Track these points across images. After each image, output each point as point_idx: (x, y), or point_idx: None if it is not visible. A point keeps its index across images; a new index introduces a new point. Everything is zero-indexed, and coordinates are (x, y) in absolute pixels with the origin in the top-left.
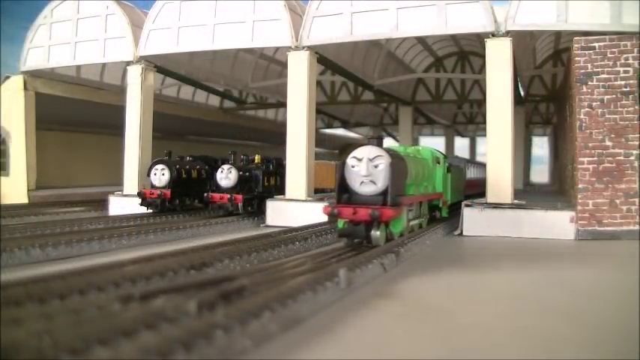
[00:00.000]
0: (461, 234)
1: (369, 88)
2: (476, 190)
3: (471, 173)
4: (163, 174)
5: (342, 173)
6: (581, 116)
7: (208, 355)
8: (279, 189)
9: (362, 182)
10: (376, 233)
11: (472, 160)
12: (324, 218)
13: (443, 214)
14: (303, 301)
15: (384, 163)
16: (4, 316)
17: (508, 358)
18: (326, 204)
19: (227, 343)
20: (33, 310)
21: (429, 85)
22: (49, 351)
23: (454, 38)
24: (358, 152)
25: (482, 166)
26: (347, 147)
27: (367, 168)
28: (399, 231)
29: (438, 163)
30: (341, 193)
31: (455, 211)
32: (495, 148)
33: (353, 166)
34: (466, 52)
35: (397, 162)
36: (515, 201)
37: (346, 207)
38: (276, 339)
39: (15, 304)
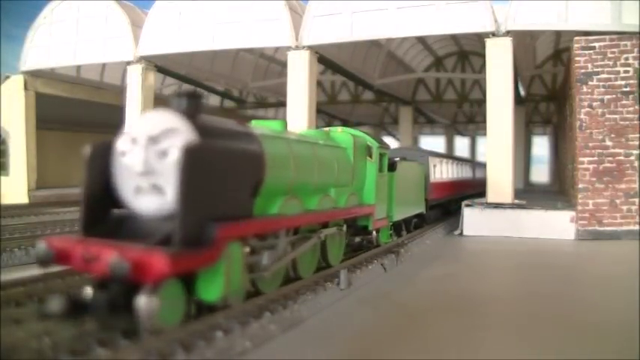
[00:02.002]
0: (461, 234)
1: (369, 87)
2: (449, 195)
3: (442, 173)
4: None
5: (102, 168)
6: (581, 116)
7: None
8: None
9: (138, 188)
10: (148, 302)
11: (443, 155)
12: None
13: (382, 240)
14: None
15: (176, 146)
16: (4, 315)
17: None
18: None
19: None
20: (33, 310)
21: (429, 84)
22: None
23: (454, 38)
24: (135, 126)
25: (464, 163)
26: None
27: (145, 158)
28: (214, 298)
29: (369, 156)
30: (93, 209)
31: (454, 211)
32: (495, 147)
33: (124, 154)
34: (466, 51)
35: (211, 146)
36: (516, 201)
37: (84, 243)
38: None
39: (15, 304)
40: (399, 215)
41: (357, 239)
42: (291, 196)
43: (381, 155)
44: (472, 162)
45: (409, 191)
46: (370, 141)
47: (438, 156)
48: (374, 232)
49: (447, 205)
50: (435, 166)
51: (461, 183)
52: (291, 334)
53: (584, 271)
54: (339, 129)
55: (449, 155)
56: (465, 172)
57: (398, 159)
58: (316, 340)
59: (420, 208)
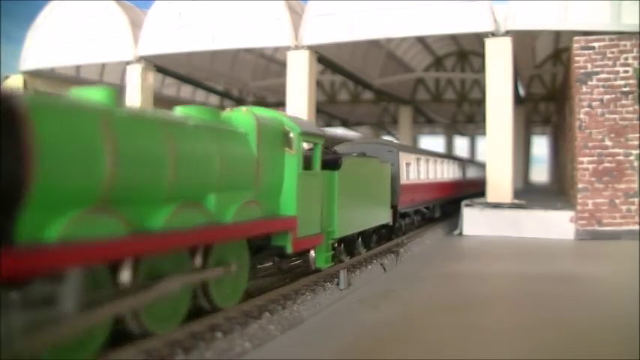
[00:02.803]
0: (461, 234)
1: (368, 87)
2: (429, 200)
3: (418, 173)
4: None
5: None
6: (581, 116)
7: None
8: None
9: None
10: None
11: (422, 150)
12: None
13: (318, 264)
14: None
15: None
16: None
17: None
18: None
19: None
20: None
21: (428, 84)
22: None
23: (454, 38)
24: None
25: (451, 161)
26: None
27: None
28: None
29: (288, 147)
30: None
31: (455, 211)
32: (495, 147)
33: None
34: (466, 51)
35: None
36: (515, 201)
37: None
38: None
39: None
40: (346, 229)
41: (276, 262)
42: (101, 207)
43: (310, 146)
44: (462, 160)
45: (366, 196)
46: (290, 125)
47: (414, 152)
48: (311, 253)
49: (431, 210)
50: (408, 164)
51: (446, 185)
52: (291, 334)
53: (583, 270)
54: (244, 108)
55: (429, 152)
56: (451, 172)
57: (355, 154)
58: (316, 340)
59: (385, 218)
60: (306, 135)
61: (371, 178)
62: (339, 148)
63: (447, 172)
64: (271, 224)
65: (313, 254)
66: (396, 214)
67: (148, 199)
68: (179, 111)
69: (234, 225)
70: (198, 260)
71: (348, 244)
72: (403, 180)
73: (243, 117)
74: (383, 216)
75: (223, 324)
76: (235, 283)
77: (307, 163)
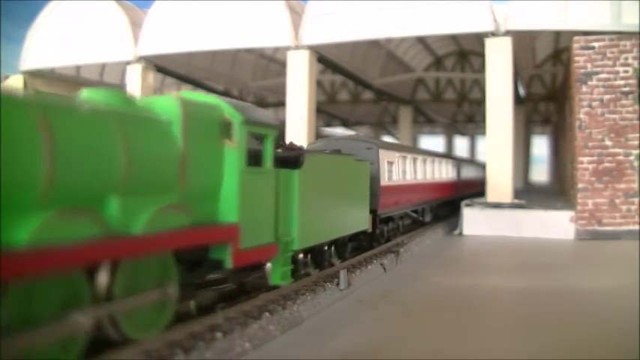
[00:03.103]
0: (461, 233)
1: (368, 87)
2: (416, 203)
3: (403, 173)
4: None
5: None
6: (581, 116)
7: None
8: None
9: None
10: None
11: (407, 148)
12: None
13: (274, 280)
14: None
15: None
16: None
17: None
18: None
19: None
20: None
21: (428, 84)
22: None
23: (454, 38)
24: None
25: (443, 160)
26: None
27: None
28: None
29: (227, 136)
30: None
31: (448, 215)
32: (495, 147)
33: None
34: (466, 51)
35: None
36: (515, 200)
37: None
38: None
39: None
40: (310, 238)
41: (232, 277)
42: None
43: (259, 138)
44: (456, 159)
45: (338, 200)
46: (230, 112)
47: (398, 149)
48: (268, 265)
49: (421, 214)
50: (390, 163)
51: (438, 186)
52: (291, 334)
53: (583, 271)
54: (173, 94)
55: (418, 149)
56: (444, 172)
57: (327, 151)
58: (316, 341)
59: (361, 224)
60: (251, 124)
61: (344, 178)
62: (310, 145)
63: (438, 172)
64: (202, 234)
65: (270, 267)
66: (376, 219)
67: (9, 206)
68: (82, 95)
69: (144, 237)
70: (102, 282)
71: (316, 255)
72: (384, 181)
73: (166, 103)
74: (359, 222)
75: (223, 324)
76: (158, 308)
77: (256, 158)
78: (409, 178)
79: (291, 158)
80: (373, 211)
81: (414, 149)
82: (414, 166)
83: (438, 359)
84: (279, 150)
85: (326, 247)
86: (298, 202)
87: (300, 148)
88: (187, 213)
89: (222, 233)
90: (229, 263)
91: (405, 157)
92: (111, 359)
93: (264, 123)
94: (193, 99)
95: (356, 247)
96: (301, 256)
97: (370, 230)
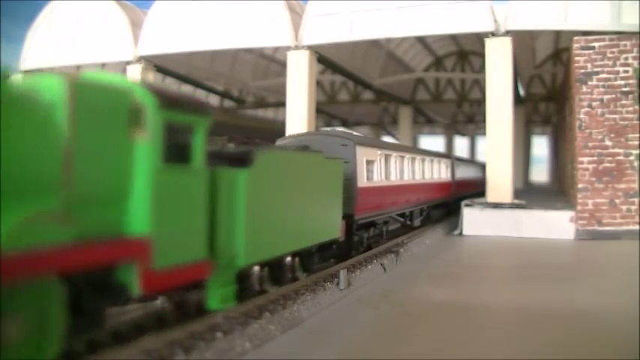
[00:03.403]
0: (461, 233)
1: (368, 87)
2: (401, 206)
3: (385, 173)
4: None
5: None
6: (581, 116)
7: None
8: None
9: None
10: None
11: (391, 145)
12: None
13: (211, 305)
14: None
15: None
16: None
17: None
18: None
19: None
20: None
21: (428, 84)
22: None
23: (454, 38)
24: None
25: (434, 159)
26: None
27: None
28: None
29: (137, 125)
30: None
31: (442, 217)
32: (495, 147)
33: None
34: (466, 51)
35: None
36: (515, 201)
37: None
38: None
39: None
40: (261, 252)
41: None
42: None
43: (181, 129)
44: (451, 158)
45: (302, 204)
46: (142, 95)
47: (380, 147)
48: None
49: (409, 218)
50: (370, 161)
51: (428, 187)
52: (291, 334)
53: (583, 270)
54: (64, 72)
55: (405, 147)
56: (436, 172)
57: (292, 148)
58: (316, 340)
59: (332, 232)
60: (170, 110)
61: (310, 179)
62: (279, 141)
63: (429, 172)
64: (89, 251)
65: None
66: (352, 225)
67: None
68: None
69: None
70: None
71: (272, 269)
72: (362, 182)
73: (50, 82)
74: (329, 229)
75: (223, 324)
76: (33, 343)
77: (182, 154)
78: (394, 179)
79: (239, 156)
80: (349, 216)
81: (400, 147)
82: (400, 165)
83: (438, 359)
84: (231, 145)
85: (289, 259)
86: (245, 209)
87: (256, 144)
88: (72, 223)
89: (122, 249)
90: (136, 287)
91: (388, 156)
92: (111, 359)
93: (189, 108)
94: (93, 79)
95: (330, 255)
96: (257, 269)
97: (342, 238)
